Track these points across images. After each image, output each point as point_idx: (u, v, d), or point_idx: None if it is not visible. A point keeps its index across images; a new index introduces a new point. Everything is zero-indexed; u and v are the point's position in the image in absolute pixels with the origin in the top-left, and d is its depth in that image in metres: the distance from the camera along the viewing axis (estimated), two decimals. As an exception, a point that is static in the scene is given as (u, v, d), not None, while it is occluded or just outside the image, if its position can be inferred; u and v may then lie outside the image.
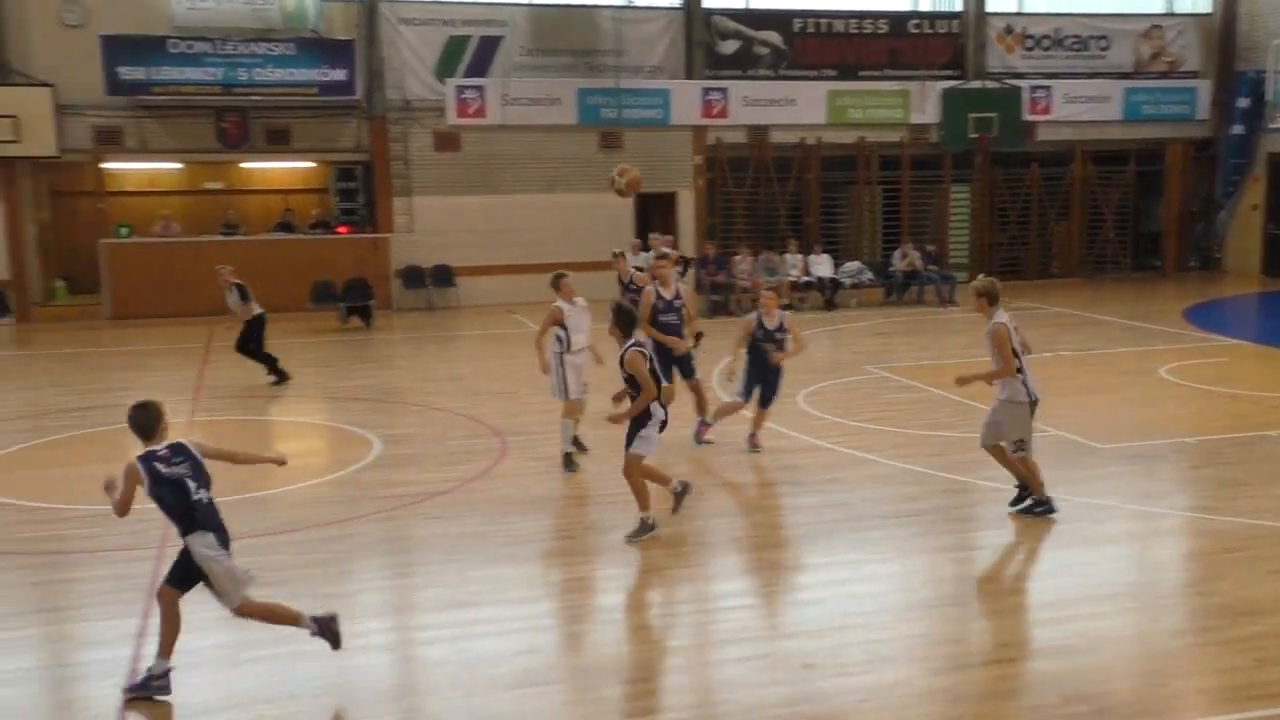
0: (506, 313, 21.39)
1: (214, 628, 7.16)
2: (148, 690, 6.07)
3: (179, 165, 22.82)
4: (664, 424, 8.61)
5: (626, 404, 8.53)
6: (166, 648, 6.13)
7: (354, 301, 20.53)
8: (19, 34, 20.28)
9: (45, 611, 7.60)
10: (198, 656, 6.63)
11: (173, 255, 21.02)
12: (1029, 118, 25.21)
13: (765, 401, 10.96)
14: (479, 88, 22.29)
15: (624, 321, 8.57)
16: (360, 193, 23.13)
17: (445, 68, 22.26)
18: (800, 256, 22.68)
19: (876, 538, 8.57)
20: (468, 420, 12.58)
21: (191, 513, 6.07)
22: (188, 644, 6.81)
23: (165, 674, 6.10)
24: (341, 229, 22.43)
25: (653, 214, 23.69)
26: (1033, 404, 8.74)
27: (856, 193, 25.10)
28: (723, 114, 23.72)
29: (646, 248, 21.33)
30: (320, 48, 21.12)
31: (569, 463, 10.59)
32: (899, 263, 22.99)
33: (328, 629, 6.39)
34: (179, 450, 6.18)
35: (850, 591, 7.57)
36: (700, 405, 11.43)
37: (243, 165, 23.15)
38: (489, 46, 22.44)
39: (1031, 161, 25.72)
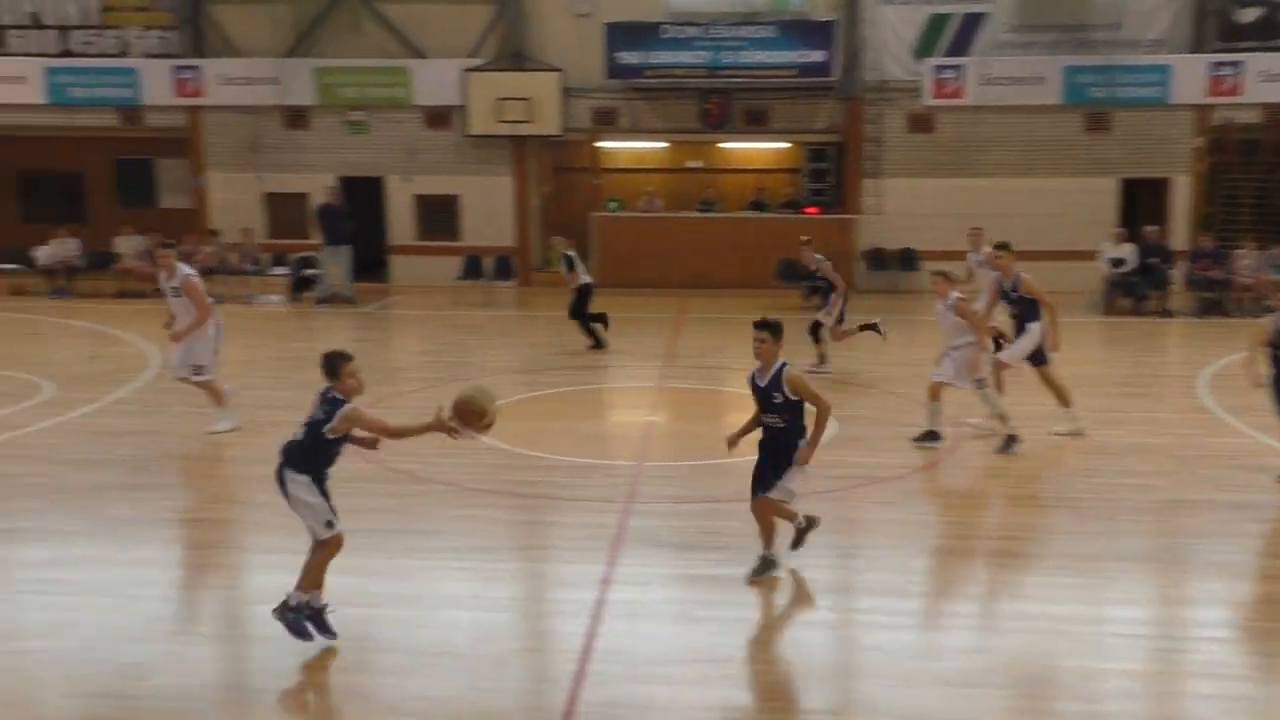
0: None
1: (666, 584, 7.58)
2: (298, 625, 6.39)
3: (664, 144, 24.22)
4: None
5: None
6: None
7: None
8: (537, 24, 22.39)
9: (527, 549, 8.44)
10: (650, 609, 7.07)
11: (654, 229, 22.39)
12: None
13: None
14: (958, 67, 21.66)
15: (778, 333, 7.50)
16: (830, 174, 23.34)
17: (924, 47, 21.84)
18: (1319, 253, 19.99)
19: (1393, 582, 7.42)
20: (923, 407, 12.36)
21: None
22: (644, 596, 7.26)
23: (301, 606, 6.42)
24: (810, 209, 22.76)
25: (1142, 202, 21.90)
26: None
27: (1402, 181, 21.66)
28: (1234, 91, 21.36)
29: (1134, 236, 19.80)
30: (800, 29, 21.49)
31: (925, 438, 10.63)
32: None
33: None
34: (327, 399, 6.29)
35: (1354, 640, 6.63)
36: (1060, 397, 10.90)
37: (721, 145, 24.13)
38: (971, 24, 21.71)
39: None
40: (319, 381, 6.34)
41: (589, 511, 8.95)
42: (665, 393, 13.41)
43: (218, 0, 22.26)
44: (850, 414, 12.18)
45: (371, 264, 22.24)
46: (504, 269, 22.24)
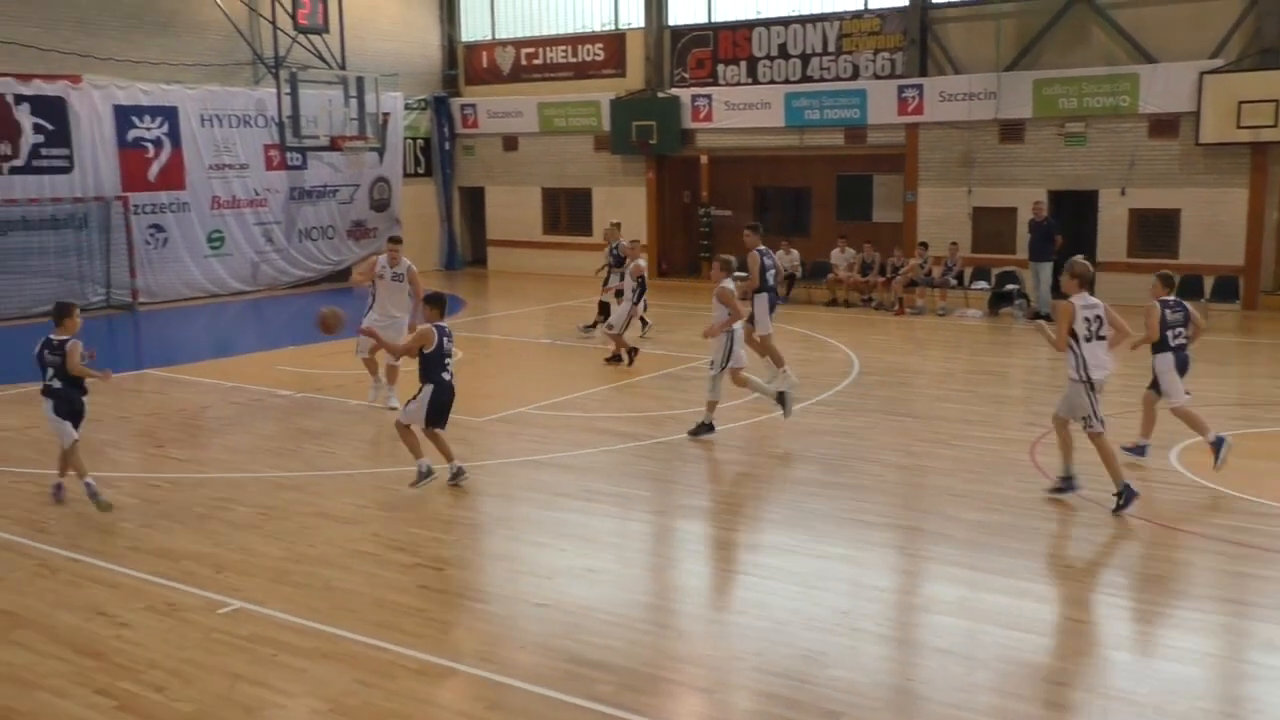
0: None
1: None
2: None
3: None
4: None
5: None
6: None
7: None
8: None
9: (1228, 602, 7.56)
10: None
11: None
12: None
13: None
14: None
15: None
16: None
17: None
18: None
19: None
20: None
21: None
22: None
23: None
24: None
25: None
26: None
27: None
28: None
29: None
30: None
31: None
32: None
33: None
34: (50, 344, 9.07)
35: None
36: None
37: None
38: None
39: None
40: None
41: (1310, 571, 7.82)
42: None
43: (944, 20, 22.87)
44: None
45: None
46: (1227, 290, 20.16)
